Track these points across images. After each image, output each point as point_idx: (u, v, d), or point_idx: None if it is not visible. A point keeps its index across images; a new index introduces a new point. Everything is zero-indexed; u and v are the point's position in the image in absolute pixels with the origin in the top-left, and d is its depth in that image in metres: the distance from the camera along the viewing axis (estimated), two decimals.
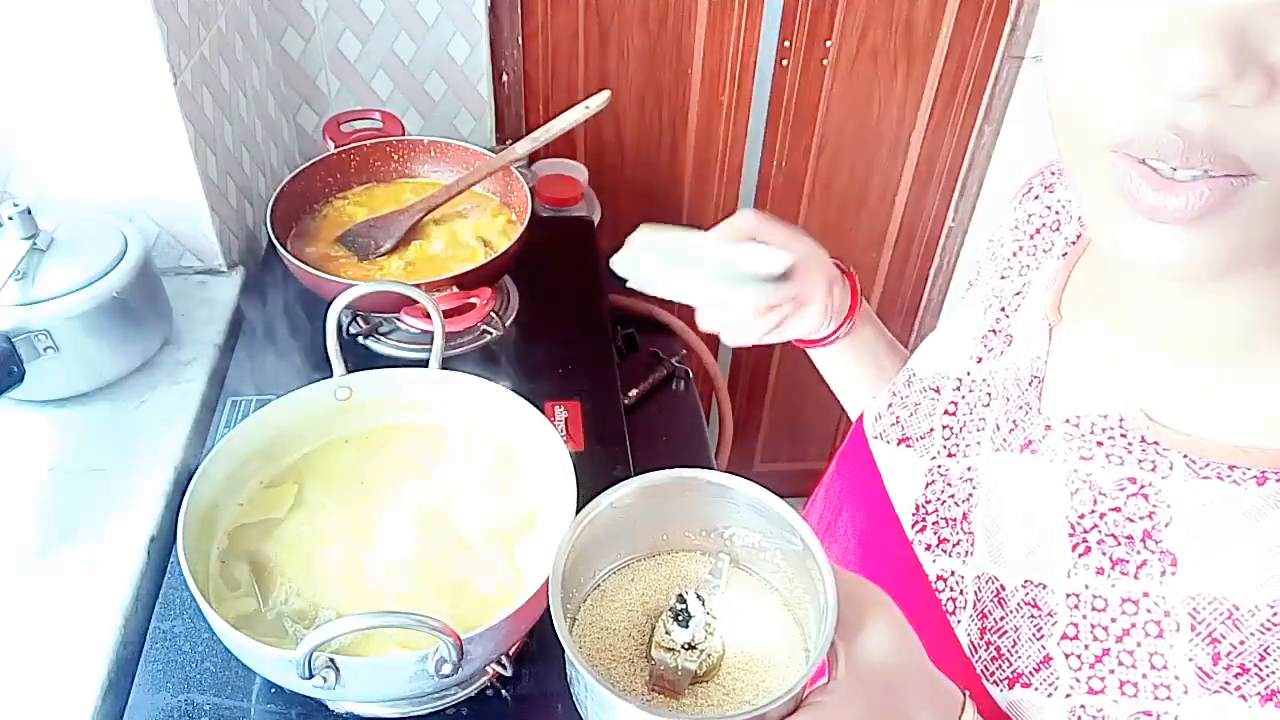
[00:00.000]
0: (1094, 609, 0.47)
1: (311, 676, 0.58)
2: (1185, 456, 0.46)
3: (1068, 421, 0.52)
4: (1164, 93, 0.35)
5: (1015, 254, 0.63)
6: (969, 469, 0.58)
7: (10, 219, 0.87)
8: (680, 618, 0.44)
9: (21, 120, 0.98)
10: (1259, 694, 0.41)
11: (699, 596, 0.45)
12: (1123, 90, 0.37)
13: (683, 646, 0.44)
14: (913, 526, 0.60)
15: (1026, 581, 0.51)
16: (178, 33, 0.98)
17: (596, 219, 1.36)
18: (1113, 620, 0.47)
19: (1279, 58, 0.33)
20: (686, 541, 0.51)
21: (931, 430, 0.62)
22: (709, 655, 0.44)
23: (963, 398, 0.61)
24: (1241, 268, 0.40)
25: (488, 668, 0.72)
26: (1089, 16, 0.38)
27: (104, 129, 0.99)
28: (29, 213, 0.88)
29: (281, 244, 1.00)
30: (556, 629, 0.42)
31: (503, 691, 0.73)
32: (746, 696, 0.45)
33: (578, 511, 0.47)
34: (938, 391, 0.63)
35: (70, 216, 0.94)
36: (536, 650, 0.75)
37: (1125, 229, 0.40)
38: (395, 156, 1.16)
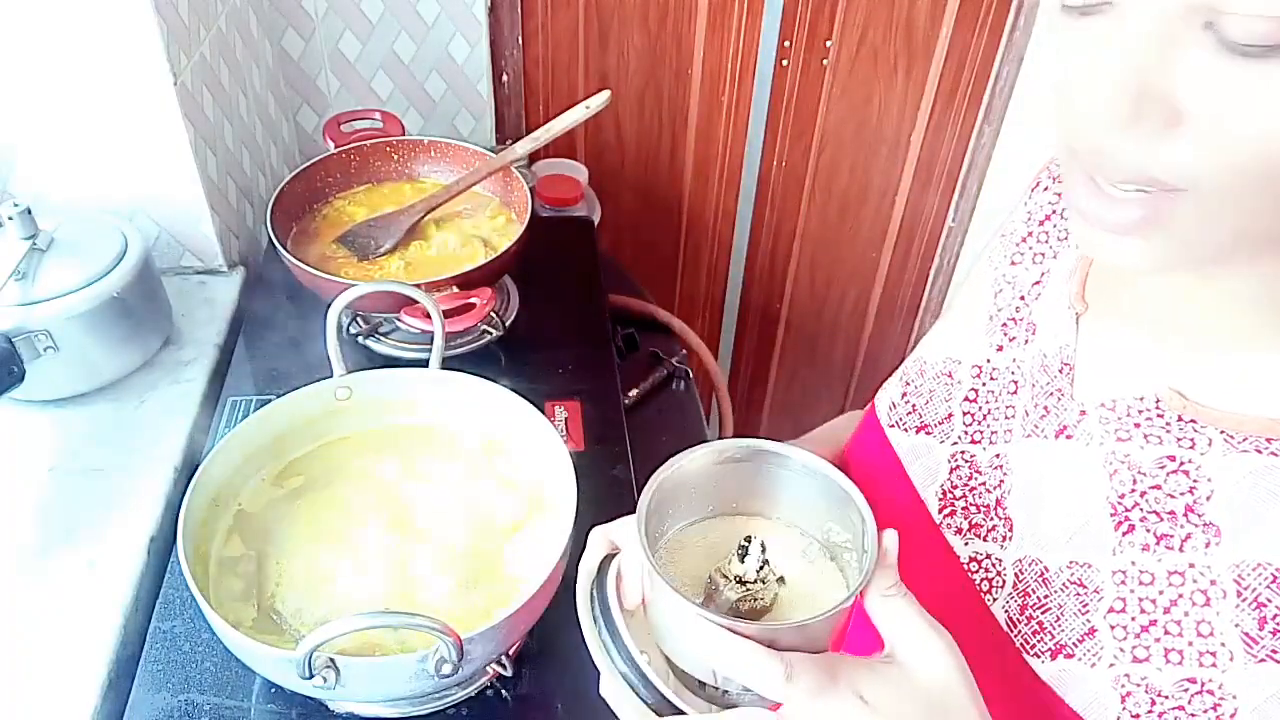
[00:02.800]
0: (1141, 583, 0.49)
1: (311, 676, 0.58)
2: (1223, 432, 0.47)
3: (1103, 406, 0.53)
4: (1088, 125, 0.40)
5: (1025, 239, 0.64)
6: (997, 455, 0.59)
7: (10, 219, 0.87)
8: (741, 552, 0.47)
9: (21, 120, 0.98)
10: None
11: (763, 545, 0.47)
12: (1074, 111, 0.41)
13: (735, 579, 0.47)
14: (940, 511, 0.61)
15: (1071, 562, 0.52)
16: (178, 33, 0.98)
17: (596, 219, 1.36)
18: (1160, 593, 0.48)
19: (1178, 94, 0.38)
20: (778, 524, 0.54)
21: (950, 416, 0.63)
22: (754, 598, 0.47)
23: (984, 384, 0.62)
24: (1203, 265, 0.44)
25: (488, 668, 0.72)
26: (1059, 45, 0.43)
27: (104, 129, 0.99)
28: (29, 213, 0.88)
29: (281, 244, 1.00)
30: (638, 507, 0.47)
31: (503, 691, 0.73)
32: None
33: (577, 512, 0.47)
34: (950, 376, 0.65)
35: (70, 216, 0.94)
36: (536, 650, 0.75)
37: (1078, 228, 0.45)
38: (395, 156, 1.16)
